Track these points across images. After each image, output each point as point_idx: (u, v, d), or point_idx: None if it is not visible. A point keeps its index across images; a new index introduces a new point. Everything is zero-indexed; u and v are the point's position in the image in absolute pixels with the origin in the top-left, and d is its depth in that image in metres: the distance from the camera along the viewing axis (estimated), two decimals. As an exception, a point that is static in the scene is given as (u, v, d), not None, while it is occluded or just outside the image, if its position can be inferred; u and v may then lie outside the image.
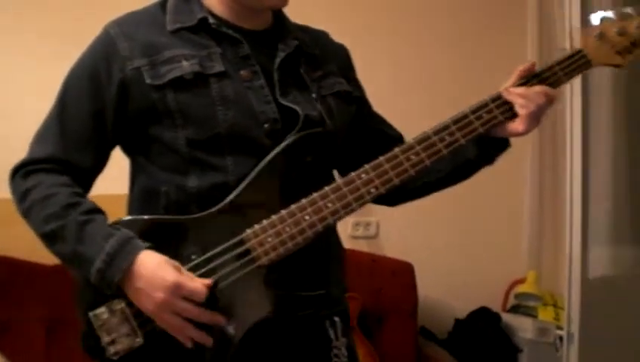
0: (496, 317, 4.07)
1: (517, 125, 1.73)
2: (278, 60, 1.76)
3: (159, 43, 1.71)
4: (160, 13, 1.78)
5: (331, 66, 1.88)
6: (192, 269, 1.60)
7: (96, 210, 1.68)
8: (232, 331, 1.60)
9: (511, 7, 4.39)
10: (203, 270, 1.60)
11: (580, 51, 1.79)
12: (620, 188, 3.59)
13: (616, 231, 3.56)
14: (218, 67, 1.69)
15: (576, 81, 3.23)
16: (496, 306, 4.20)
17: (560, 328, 3.68)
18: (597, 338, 3.33)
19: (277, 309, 1.62)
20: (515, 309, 4.17)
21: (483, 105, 1.73)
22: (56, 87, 1.79)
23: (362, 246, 4.03)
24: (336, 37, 2.01)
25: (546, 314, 3.98)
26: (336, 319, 1.78)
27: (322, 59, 1.87)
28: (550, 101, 1.73)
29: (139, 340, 1.60)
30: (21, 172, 1.72)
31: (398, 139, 1.94)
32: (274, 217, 1.62)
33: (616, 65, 1.81)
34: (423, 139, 1.69)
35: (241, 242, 1.62)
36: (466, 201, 3.78)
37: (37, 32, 3.62)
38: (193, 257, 1.61)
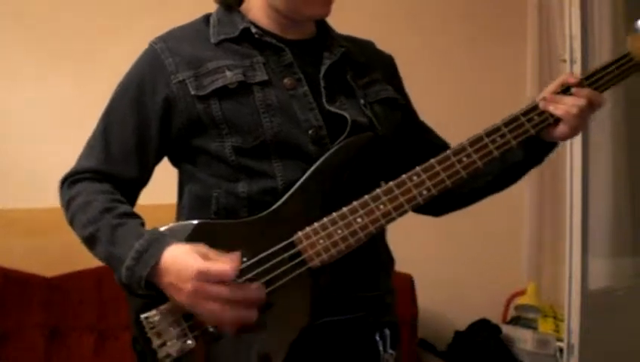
0: (496, 328, 4.07)
1: (562, 129, 1.74)
2: (324, 68, 1.77)
3: (203, 55, 1.74)
4: (204, 26, 1.81)
5: (377, 74, 1.88)
6: (243, 272, 1.59)
7: (131, 214, 1.69)
8: (282, 333, 1.60)
9: (511, 17, 4.41)
10: (253, 273, 1.59)
11: (627, 55, 1.77)
12: (619, 199, 3.59)
13: (616, 243, 3.57)
14: (261, 76, 1.71)
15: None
16: (496, 318, 4.19)
17: (560, 340, 3.68)
18: (597, 350, 3.32)
19: (319, 316, 1.62)
20: (515, 321, 4.17)
21: (534, 108, 1.74)
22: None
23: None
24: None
25: (546, 326, 3.98)
26: (387, 331, 1.78)
27: (368, 66, 1.88)
28: (592, 103, 1.73)
29: (190, 342, 1.59)
30: (67, 182, 1.77)
31: (443, 147, 1.90)
32: (325, 219, 1.62)
33: None
34: (475, 141, 1.69)
35: (292, 244, 1.61)
36: (465, 213, 3.77)
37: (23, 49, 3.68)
38: (244, 260, 1.60)
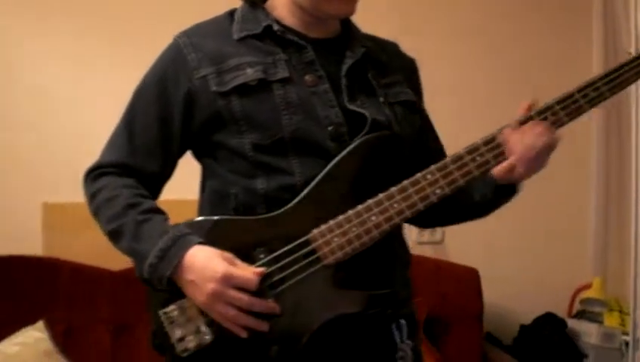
0: (561, 322, 4.04)
1: (509, 169, 1.71)
2: (345, 67, 1.78)
3: (226, 52, 1.75)
4: (228, 22, 1.83)
5: (398, 76, 1.89)
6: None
7: (156, 210, 1.74)
8: (297, 328, 1.63)
9: (576, 8, 4.36)
10: (270, 269, 1.63)
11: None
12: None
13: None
14: (282, 73, 1.73)
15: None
16: (561, 312, 4.16)
17: (626, 333, 3.66)
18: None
19: (334, 311, 1.65)
20: (580, 315, 4.13)
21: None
22: (126, 92, 1.85)
23: (428, 252, 4.03)
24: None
25: (611, 320, 3.94)
26: (403, 322, 1.79)
27: (389, 67, 1.89)
28: (549, 143, 1.70)
29: (208, 337, 1.64)
30: (91, 175, 1.81)
31: (439, 153, 1.94)
32: (340, 217, 1.64)
33: None
34: (489, 140, 1.70)
35: (307, 242, 1.64)
36: (530, 207, 3.76)
37: (108, 38, 3.77)
38: (261, 256, 1.64)
